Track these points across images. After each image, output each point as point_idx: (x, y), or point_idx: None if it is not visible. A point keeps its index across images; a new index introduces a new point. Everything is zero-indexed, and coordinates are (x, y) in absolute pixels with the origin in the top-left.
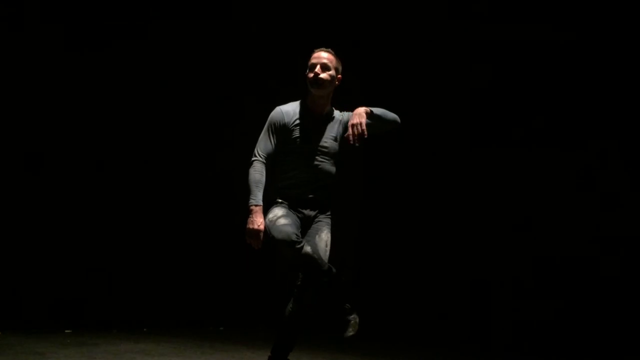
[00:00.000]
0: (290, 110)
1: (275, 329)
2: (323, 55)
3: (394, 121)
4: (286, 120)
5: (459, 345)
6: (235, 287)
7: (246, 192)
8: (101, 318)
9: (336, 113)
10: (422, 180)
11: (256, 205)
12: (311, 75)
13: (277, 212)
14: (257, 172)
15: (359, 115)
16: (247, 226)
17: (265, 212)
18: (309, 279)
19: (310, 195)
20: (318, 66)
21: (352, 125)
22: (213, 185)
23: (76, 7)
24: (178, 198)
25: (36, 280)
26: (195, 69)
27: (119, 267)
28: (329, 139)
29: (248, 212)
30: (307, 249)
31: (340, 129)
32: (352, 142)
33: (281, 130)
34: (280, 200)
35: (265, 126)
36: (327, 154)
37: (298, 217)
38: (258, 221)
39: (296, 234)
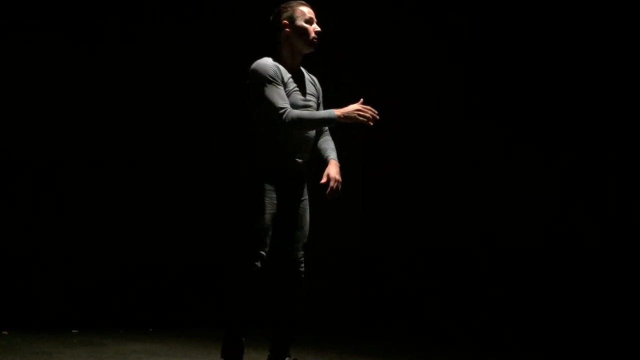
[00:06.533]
0: (277, 64)
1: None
2: (313, 11)
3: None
4: (280, 72)
5: (462, 345)
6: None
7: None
8: (108, 318)
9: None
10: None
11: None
12: (313, 34)
13: (263, 206)
14: (301, 111)
15: (338, 173)
16: (356, 114)
17: (247, 186)
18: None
19: (300, 160)
20: (315, 24)
21: (336, 181)
22: (216, 185)
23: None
24: (183, 197)
25: (43, 280)
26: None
27: (125, 267)
28: (312, 97)
29: (341, 118)
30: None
31: (315, 89)
32: (330, 197)
33: (280, 81)
34: (268, 186)
35: (265, 81)
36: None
37: (277, 203)
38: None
39: (265, 251)
